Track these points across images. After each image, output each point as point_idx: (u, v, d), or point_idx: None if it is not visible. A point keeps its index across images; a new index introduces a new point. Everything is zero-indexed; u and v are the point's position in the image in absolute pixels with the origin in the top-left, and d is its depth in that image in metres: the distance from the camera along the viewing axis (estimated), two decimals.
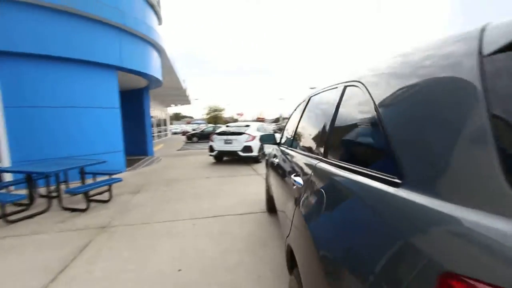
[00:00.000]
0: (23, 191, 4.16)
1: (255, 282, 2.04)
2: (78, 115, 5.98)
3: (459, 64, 0.58)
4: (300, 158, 1.52)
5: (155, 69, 8.36)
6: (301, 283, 1.00)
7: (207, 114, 50.60)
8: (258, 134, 8.20)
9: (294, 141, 2.11)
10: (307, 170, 1.26)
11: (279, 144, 3.07)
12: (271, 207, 3.46)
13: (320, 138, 1.30)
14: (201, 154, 10.92)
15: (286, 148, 2.30)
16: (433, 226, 0.51)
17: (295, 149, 1.87)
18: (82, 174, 4.76)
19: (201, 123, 49.51)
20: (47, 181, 3.87)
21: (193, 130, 32.18)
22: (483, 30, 0.57)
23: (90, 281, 2.12)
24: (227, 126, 9.31)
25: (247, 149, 7.74)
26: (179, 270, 2.25)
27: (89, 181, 4.77)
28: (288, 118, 3.00)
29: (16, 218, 3.50)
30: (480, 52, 0.54)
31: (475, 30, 0.59)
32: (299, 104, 2.52)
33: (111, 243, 2.80)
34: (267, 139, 3.14)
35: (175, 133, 39.65)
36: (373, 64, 1.00)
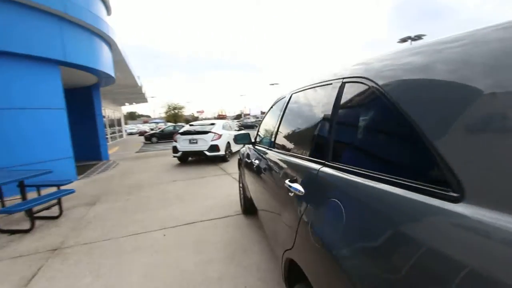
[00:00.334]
0: None
1: None
2: (15, 117, 5.09)
3: None
4: (294, 161, 1.40)
5: (105, 64, 7.54)
6: None
7: (166, 112, 48.21)
8: (224, 132, 7.97)
9: (276, 141, 1.99)
10: (309, 175, 1.14)
11: (253, 143, 2.94)
12: (248, 208, 3.33)
13: (319, 140, 1.19)
14: (163, 156, 10.29)
15: (267, 148, 2.16)
16: None
17: (281, 151, 1.75)
18: (22, 188, 4.04)
19: (159, 122, 47.13)
20: None
21: (152, 129, 30.45)
22: None
23: None
24: (190, 125, 8.87)
25: (214, 148, 7.47)
26: None
27: (32, 195, 4.09)
28: (263, 117, 2.87)
29: None
30: None
31: None
32: (277, 102, 2.41)
33: (67, 268, 2.39)
34: (242, 138, 2.99)
35: (130, 134, 37.09)
36: (384, 58, 0.91)
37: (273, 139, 2.08)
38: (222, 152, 7.57)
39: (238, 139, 3.00)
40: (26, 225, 3.33)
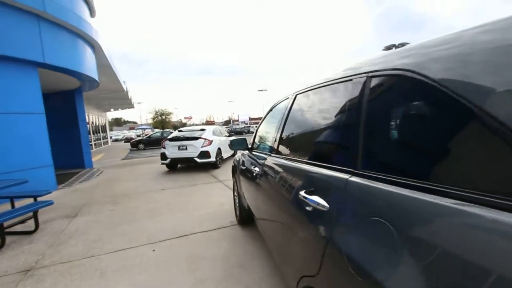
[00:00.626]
0: None
1: None
2: None
3: None
4: (308, 170, 1.22)
5: (88, 67, 7.18)
6: None
7: (153, 118, 47.25)
8: (215, 138, 7.74)
9: (279, 147, 1.81)
10: (333, 187, 0.97)
11: (250, 149, 2.76)
12: (244, 219, 3.12)
13: (341, 144, 1.02)
14: (150, 163, 9.90)
15: (268, 155, 1.98)
16: None
17: (287, 157, 1.56)
18: None
19: (146, 128, 46.10)
20: None
21: (138, 136, 29.68)
22: None
23: None
24: (179, 131, 8.57)
25: (204, 154, 7.21)
26: None
27: (6, 207, 3.71)
28: (261, 121, 2.70)
29: None
30: None
31: None
32: (276, 105, 2.24)
33: None
34: (238, 144, 2.80)
35: (116, 140, 36.05)
36: (429, 45, 0.76)
37: (274, 145, 1.90)
38: (213, 158, 7.32)
39: (234, 144, 2.81)
40: None
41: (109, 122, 33.18)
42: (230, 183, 5.40)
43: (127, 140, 29.45)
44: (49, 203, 3.55)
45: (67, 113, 8.72)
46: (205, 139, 7.35)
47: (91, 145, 16.45)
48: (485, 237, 0.48)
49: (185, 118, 75.19)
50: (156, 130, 32.82)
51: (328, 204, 0.94)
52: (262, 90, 50.88)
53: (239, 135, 27.99)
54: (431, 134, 0.68)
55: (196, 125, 40.86)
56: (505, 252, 0.43)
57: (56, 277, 2.31)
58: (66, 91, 8.63)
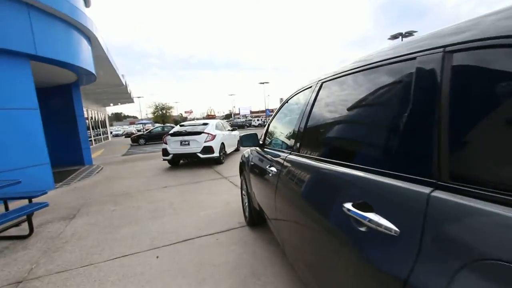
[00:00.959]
0: None
1: None
2: None
3: None
4: (356, 176, 0.94)
5: (84, 59, 6.85)
6: None
7: (154, 113, 46.84)
8: (218, 133, 7.46)
9: (302, 144, 1.54)
10: (404, 204, 0.70)
11: (262, 145, 2.49)
12: (254, 220, 2.88)
13: (413, 144, 0.74)
14: (152, 159, 9.66)
15: (289, 153, 1.69)
16: None
17: (320, 157, 1.28)
18: None
19: (147, 123, 45.80)
20: None
21: (138, 131, 29.43)
22: None
23: None
24: (181, 125, 8.28)
25: (208, 150, 6.94)
26: None
27: None
28: (274, 114, 2.42)
29: None
30: None
31: None
32: (295, 94, 1.96)
33: None
34: (248, 140, 2.54)
35: (116, 136, 35.85)
36: None
37: (295, 141, 1.63)
38: (216, 154, 7.06)
39: (244, 140, 2.55)
40: None
41: (109, 117, 32.87)
42: (236, 179, 5.16)
43: (127, 135, 29.30)
44: (44, 205, 3.30)
45: (64, 108, 8.43)
46: (208, 133, 7.08)
47: (91, 140, 16.22)
48: None
49: (185, 112, 74.67)
50: (157, 124, 32.53)
51: (398, 228, 0.67)
52: (263, 83, 50.15)
53: (241, 129, 27.69)
54: None
55: (197, 119, 40.54)
56: None
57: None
58: (63, 85, 8.32)
